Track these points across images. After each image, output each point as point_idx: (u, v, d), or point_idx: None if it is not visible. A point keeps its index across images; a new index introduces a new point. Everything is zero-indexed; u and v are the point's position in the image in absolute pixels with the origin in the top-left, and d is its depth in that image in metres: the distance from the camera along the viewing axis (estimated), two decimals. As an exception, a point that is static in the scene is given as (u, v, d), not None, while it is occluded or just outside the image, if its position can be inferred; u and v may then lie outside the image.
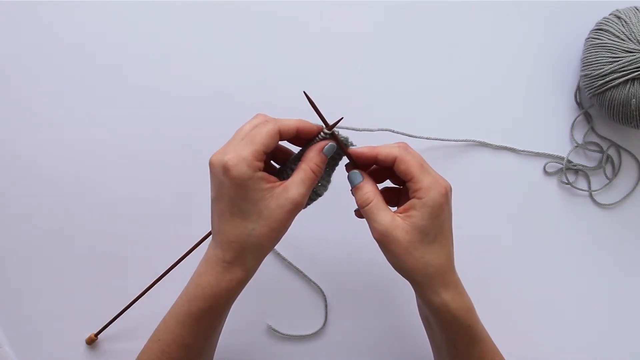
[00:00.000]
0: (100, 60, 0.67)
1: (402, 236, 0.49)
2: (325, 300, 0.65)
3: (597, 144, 0.67)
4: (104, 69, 0.67)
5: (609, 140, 0.67)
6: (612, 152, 0.67)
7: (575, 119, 0.67)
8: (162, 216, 0.65)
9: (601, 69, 0.62)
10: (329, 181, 0.54)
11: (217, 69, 0.67)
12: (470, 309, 0.52)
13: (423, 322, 0.57)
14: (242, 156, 0.47)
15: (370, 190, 0.51)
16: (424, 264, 0.50)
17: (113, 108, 0.66)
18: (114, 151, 0.66)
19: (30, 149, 0.66)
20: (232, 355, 0.64)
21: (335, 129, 0.51)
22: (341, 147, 0.52)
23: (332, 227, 0.65)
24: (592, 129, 0.67)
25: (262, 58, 0.67)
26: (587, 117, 0.68)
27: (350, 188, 0.53)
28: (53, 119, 0.66)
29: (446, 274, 0.51)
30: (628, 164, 0.67)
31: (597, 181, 0.67)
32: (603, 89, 0.62)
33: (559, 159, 0.66)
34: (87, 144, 0.66)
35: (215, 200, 0.50)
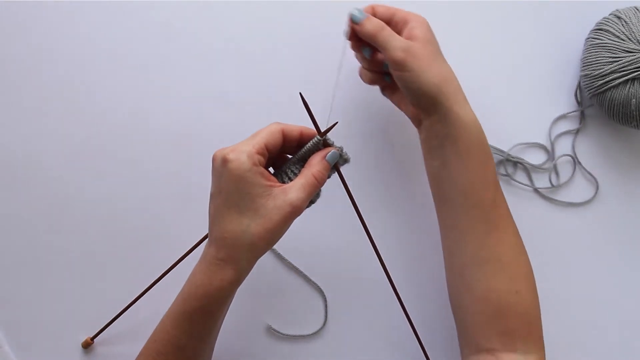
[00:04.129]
0: (100, 60, 0.67)
1: (421, 50, 0.51)
2: (325, 300, 0.65)
3: (544, 146, 0.66)
4: (103, 69, 0.66)
5: (571, 156, 0.67)
6: (563, 162, 0.67)
7: (556, 119, 0.67)
8: (160, 219, 0.65)
9: (601, 69, 0.62)
10: (320, 190, 0.53)
11: (218, 69, 0.67)
12: (483, 132, 0.53)
13: (432, 169, 0.55)
14: (242, 148, 0.48)
15: (378, 20, 0.53)
16: (446, 75, 0.52)
17: (113, 108, 0.66)
18: (112, 154, 0.66)
19: (28, 149, 0.66)
20: (232, 355, 0.64)
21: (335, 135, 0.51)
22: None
23: (332, 228, 0.65)
24: (577, 131, 0.67)
25: (264, 58, 0.67)
26: (583, 118, 0.68)
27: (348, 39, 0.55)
28: (52, 118, 0.66)
29: (462, 90, 0.53)
30: (579, 181, 0.67)
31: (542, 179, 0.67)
32: (603, 89, 0.62)
33: (500, 151, 0.66)
34: (86, 145, 0.66)
35: (214, 195, 0.50)
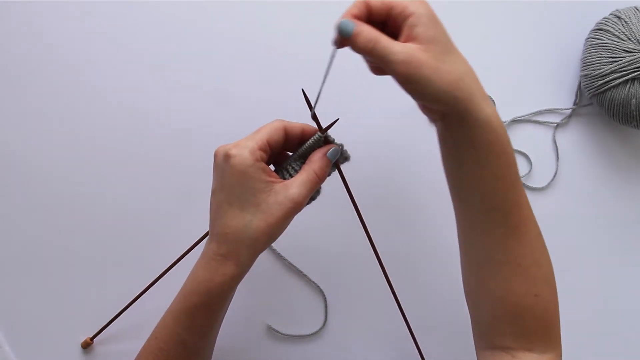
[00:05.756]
0: (100, 60, 0.67)
1: (424, 55, 0.44)
2: (325, 300, 0.65)
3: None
4: (104, 68, 0.66)
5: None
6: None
7: (544, 110, 0.67)
8: (160, 218, 0.65)
9: (601, 69, 0.62)
10: (320, 187, 0.53)
11: (218, 68, 0.67)
12: (505, 128, 0.47)
13: (449, 168, 0.51)
14: (244, 144, 0.48)
15: (371, 29, 0.45)
16: (458, 75, 0.45)
17: (113, 107, 0.66)
18: (112, 152, 0.66)
19: (28, 149, 0.66)
20: (232, 355, 0.64)
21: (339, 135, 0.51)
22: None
23: (332, 227, 0.65)
24: (557, 125, 0.67)
25: (264, 57, 0.67)
26: (570, 116, 0.68)
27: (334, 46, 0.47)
28: (51, 118, 0.66)
29: (479, 84, 0.47)
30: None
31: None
32: (603, 89, 0.62)
33: None
34: (86, 144, 0.66)
35: (215, 191, 0.50)
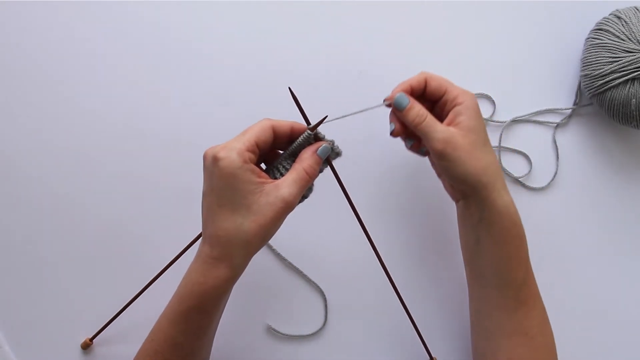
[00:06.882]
0: (99, 59, 0.67)
1: (462, 140, 0.51)
2: (325, 300, 0.65)
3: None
4: (102, 69, 0.67)
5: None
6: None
7: (543, 110, 0.67)
8: (158, 220, 0.65)
9: (601, 69, 0.62)
10: (312, 184, 0.53)
11: (217, 68, 0.67)
12: (519, 215, 0.53)
13: (466, 243, 0.56)
14: (232, 146, 0.48)
15: (421, 107, 0.53)
16: (487, 164, 0.52)
17: (112, 107, 0.66)
18: (109, 155, 0.66)
19: (27, 149, 0.66)
20: (232, 355, 0.64)
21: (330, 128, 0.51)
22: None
23: (332, 227, 0.65)
24: (557, 125, 0.67)
25: (262, 57, 0.67)
26: (570, 116, 0.68)
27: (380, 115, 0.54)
28: (51, 118, 0.66)
29: (502, 175, 0.53)
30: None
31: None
32: (603, 89, 0.62)
33: None
34: (85, 145, 0.66)
35: (206, 194, 0.50)
